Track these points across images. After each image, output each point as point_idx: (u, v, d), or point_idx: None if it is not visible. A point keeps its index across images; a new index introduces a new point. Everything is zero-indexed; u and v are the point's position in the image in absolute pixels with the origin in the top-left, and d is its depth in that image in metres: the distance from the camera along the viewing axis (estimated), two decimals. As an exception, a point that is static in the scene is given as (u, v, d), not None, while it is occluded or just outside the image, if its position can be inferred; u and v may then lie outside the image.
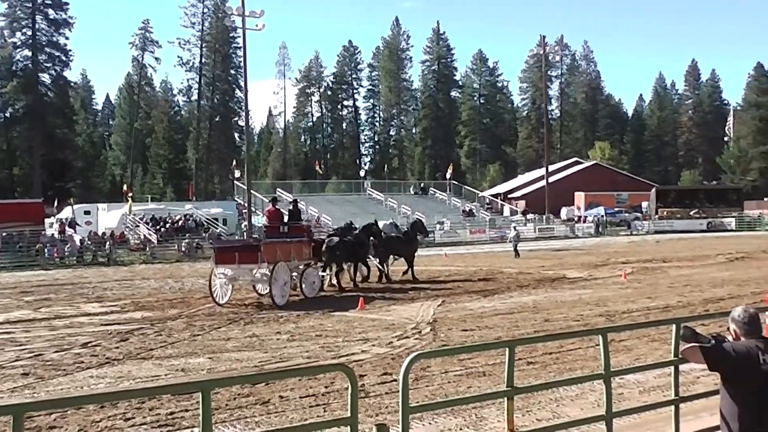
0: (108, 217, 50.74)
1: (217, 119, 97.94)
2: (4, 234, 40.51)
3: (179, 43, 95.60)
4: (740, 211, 64.71)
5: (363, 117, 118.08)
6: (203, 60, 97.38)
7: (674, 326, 6.48)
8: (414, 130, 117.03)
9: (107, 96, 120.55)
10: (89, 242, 42.44)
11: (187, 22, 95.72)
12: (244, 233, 46.55)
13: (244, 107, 59.64)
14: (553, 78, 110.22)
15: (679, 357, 6.02)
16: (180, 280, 27.36)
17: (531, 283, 22.70)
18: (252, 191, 51.08)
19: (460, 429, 7.80)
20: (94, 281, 28.10)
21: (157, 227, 47.22)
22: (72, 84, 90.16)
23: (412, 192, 72.77)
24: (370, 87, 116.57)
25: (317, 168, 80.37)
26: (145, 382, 10.25)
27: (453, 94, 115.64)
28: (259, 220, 51.40)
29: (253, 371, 10.51)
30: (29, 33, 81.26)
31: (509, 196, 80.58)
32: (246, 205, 49.43)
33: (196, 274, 29.38)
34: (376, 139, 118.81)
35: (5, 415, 4.00)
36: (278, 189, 62.25)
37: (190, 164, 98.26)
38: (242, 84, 61.36)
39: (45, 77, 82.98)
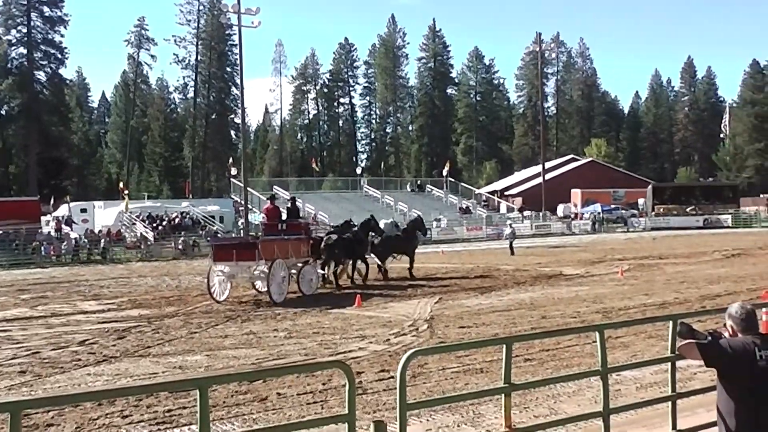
0: (104, 215, 50.68)
1: (213, 117, 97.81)
2: (0, 232, 40.45)
3: (175, 41, 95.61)
4: (736, 208, 64.86)
5: (359, 114, 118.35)
6: (199, 57, 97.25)
7: (671, 323, 6.49)
8: (410, 128, 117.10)
9: (103, 94, 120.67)
10: (85, 240, 42.37)
11: (183, 20, 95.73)
12: (241, 231, 46.52)
13: (240, 105, 59.51)
14: (549, 75, 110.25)
15: (676, 353, 6.04)
16: (177, 278, 27.34)
17: (528, 280, 22.72)
18: (248, 189, 50.98)
19: (458, 426, 7.81)
20: (91, 279, 28.07)
21: (154, 225, 47.16)
22: (68, 82, 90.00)
23: (409, 189, 72.76)
24: (366, 84, 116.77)
25: (314, 165, 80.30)
26: (143, 379, 10.25)
27: (449, 91, 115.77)
28: (256, 217, 51.40)
29: (251, 368, 10.50)
30: (24, 30, 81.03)
31: (506, 193, 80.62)
32: (243, 202, 49.37)
33: (193, 272, 29.37)
34: (372, 137, 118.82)
35: (3, 413, 4.00)
36: (275, 186, 62.16)
37: (187, 162, 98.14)
38: (238, 81, 61.55)
39: (40, 75, 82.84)
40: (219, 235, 41.04)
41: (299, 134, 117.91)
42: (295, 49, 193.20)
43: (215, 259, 19.33)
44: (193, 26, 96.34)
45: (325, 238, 22.09)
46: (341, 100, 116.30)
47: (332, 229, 24.08)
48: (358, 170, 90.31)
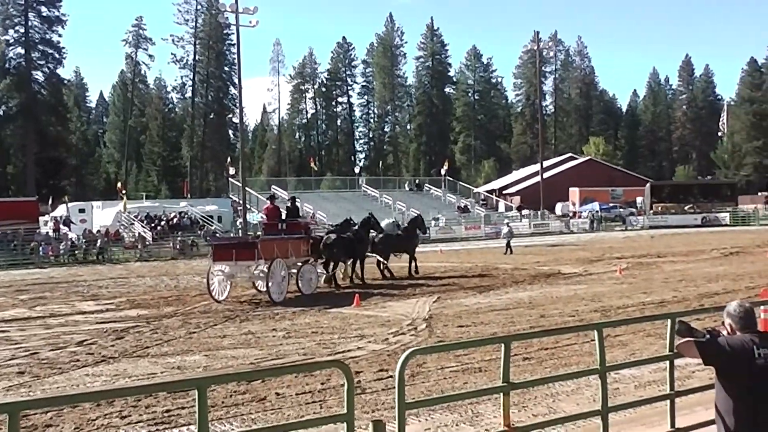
0: (103, 215, 50.65)
1: (211, 116, 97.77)
2: (-2, 232, 40.43)
3: (173, 40, 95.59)
4: (734, 206, 64.91)
5: (357, 113, 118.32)
6: (197, 57, 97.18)
7: (669, 321, 6.50)
8: (408, 127, 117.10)
9: (101, 93, 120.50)
10: (84, 240, 42.33)
11: (181, 19, 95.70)
12: (239, 230, 46.50)
13: (238, 104, 59.65)
14: (547, 74, 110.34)
15: (674, 352, 6.04)
16: (175, 278, 27.33)
17: (526, 278, 22.72)
18: (247, 188, 51.00)
19: (456, 425, 7.81)
20: (89, 279, 28.04)
21: (152, 225, 47.11)
22: (65, 81, 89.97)
23: (407, 188, 72.76)
24: (364, 83, 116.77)
25: (312, 165, 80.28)
26: (141, 379, 10.25)
27: (447, 90, 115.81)
28: (255, 217, 51.40)
29: (249, 368, 10.50)
30: (22, 30, 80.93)
31: (504, 192, 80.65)
32: (241, 202, 49.36)
33: (192, 272, 29.35)
34: (370, 136, 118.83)
35: (1, 414, 3.99)
36: (273, 186, 62.15)
37: (185, 162, 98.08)
38: (236, 81, 61.63)
39: (38, 75, 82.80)
40: (217, 235, 41.02)
41: (297, 133, 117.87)
42: (293, 49, 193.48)
43: (215, 258, 19.34)
44: (191, 26, 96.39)
45: (324, 238, 22.05)
46: (339, 99, 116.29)
47: (332, 228, 24.00)
48: (357, 169, 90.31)
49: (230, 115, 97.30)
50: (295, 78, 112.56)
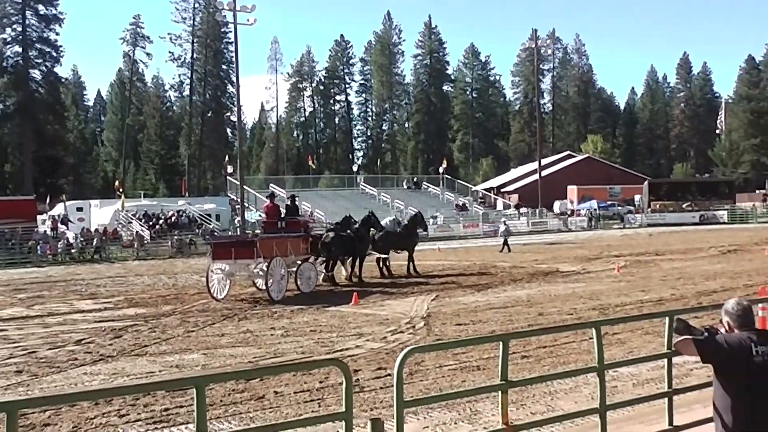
0: (100, 214, 50.60)
1: (209, 115, 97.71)
2: (-4, 231, 40.39)
3: (170, 39, 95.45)
4: (732, 203, 64.96)
5: (355, 112, 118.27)
6: (195, 55, 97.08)
7: (667, 319, 6.51)
8: (406, 125, 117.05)
9: (98, 92, 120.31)
10: (82, 239, 42.31)
11: (178, 17, 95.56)
12: (237, 229, 46.49)
13: (236, 102, 59.59)
14: (545, 72, 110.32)
15: (673, 350, 6.05)
16: (173, 277, 27.32)
17: (524, 277, 22.73)
18: (245, 187, 51.00)
19: (455, 423, 7.82)
20: (87, 278, 28.02)
21: (150, 223, 47.08)
22: (63, 80, 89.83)
23: (405, 186, 72.76)
24: (362, 82, 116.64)
25: (310, 163, 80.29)
26: (140, 378, 10.24)
27: (445, 88, 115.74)
28: (253, 215, 51.40)
29: (248, 367, 10.49)
30: (19, 29, 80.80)
31: (502, 190, 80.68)
32: (239, 200, 49.35)
33: (190, 270, 29.34)
34: (368, 134, 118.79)
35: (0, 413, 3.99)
36: (271, 184, 62.05)
37: (183, 160, 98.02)
38: (234, 79, 61.56)
39: (36, 73, 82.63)
40: (216, 234, 41.01)
41: (295, 132, 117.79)
42: (290, 47, 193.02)
43: (214, 257, 19.34)
44: (189, 24, 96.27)
45: (323, 236, 22.03)
46: (337, 97, 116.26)
47: (332, 227, 23.90)
48: (355, 168, 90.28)
49: (228, 114, 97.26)
50: (293, 76, 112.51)
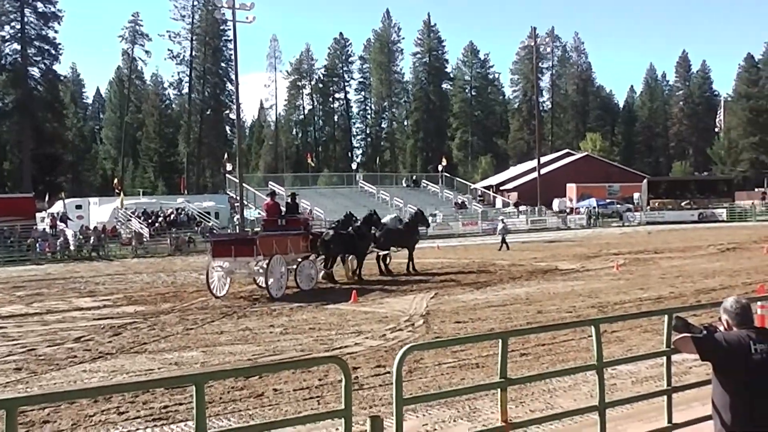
0: (99, 212, 50.59)
1: (208, 112, 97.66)
2: (-5, 229, 40.38)
3: (169, 36, 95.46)
4: (731, 201, 64.94)
5: (354, 110, 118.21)
6: (194, 53, 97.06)
7: (666, 317, 6.51)
8: (405, 123, 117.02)
9: (97, 90, 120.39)
10: (81, 237, 42.29)
11: (177, 15, 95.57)
12: (236, 227, 46.47)
13: (235, 100, 59.55)
14: (544, 70, 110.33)
15: (671, 347, 6.05)
16: (172, 274, 27.31)
17: (523, 275, 22.72)
18: (244, 185, 50.98)
19: (454, 420, 7.82)
20: (86, 276, 28.02)
21: (149, 221, 47.07)
22: (62, 78, 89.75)
23: (404, 184, 72.76)
24: (361, 79, 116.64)
25: (309, 161, 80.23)
26: (139, 375, 10.24)
27: (444, 86, 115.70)
28: (252, 213, 51.39)
29: (247, 364, 10.50)
30: (18, 26, 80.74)
31: (501, 188, 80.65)
32: (238, 198, 49.34)
33: (189, 268, 29.34)
34: (367, 132, 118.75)
35: (-1, 410, 3.99)
36: (270, 182, 62.06)
37: (182, 158, 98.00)
38: (233, 77, 61.33)
39: (34, 71, 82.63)
40: (215, 231, 40.99)
41: (294, 130, 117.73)
42: (289, 45, 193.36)
43: (214, 254, 19.36)
44: (188, 22, 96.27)
45: (323, 234, 22.01)
46: (336, 95, 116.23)
47: (334, 225, 23.79)
48: (354, 166, 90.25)
49: (227, 112, 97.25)
50: (292, 74, 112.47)
